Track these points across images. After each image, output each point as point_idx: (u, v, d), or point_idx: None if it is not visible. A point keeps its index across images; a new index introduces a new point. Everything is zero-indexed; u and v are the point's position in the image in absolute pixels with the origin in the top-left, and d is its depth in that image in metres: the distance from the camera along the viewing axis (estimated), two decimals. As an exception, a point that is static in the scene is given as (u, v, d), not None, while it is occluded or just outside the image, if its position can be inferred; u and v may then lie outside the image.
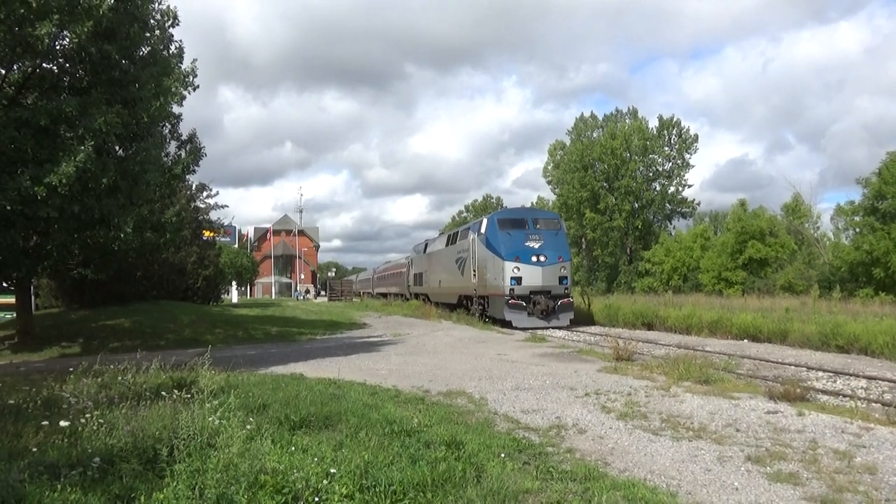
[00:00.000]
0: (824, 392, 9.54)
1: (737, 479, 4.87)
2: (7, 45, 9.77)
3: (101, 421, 5.31)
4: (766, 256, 35.79)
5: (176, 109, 13.67)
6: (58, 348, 16.22)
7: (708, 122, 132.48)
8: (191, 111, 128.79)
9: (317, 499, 3.95)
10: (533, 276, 21.01)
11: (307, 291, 72.53)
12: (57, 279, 23.71)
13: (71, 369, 7.64)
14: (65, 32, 10.08)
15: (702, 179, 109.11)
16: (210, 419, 5.33)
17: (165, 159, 14.21)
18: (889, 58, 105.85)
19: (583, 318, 23.53)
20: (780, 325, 16.63)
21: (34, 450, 4.71)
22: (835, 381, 10.78)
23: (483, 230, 22.93)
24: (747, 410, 7.23)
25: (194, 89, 12.73)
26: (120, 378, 7.24)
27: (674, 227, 54.40)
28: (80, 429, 5.20)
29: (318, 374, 9.74)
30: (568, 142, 59.79)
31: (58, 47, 10.80)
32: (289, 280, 78.90)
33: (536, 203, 66.05)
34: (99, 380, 7.09)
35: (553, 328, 20.41)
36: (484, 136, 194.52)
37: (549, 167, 61.85)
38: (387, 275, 50.27)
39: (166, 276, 26.65)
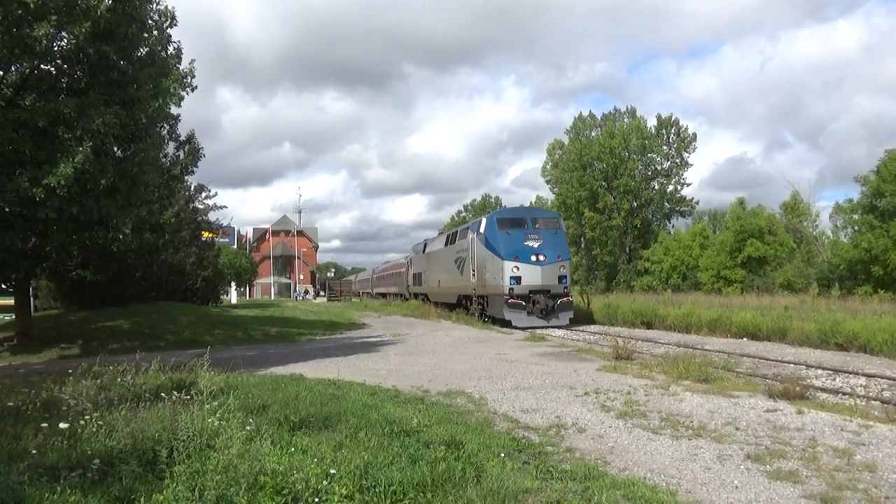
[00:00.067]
0: (823, 390, 9.55)
1: (736, 477, 4.88)
2: (5, 47, 9.74)
3: (100, 423, 5.31)
4: (765, 255, 35.86)
5: (174, 110, 13.70)
6: (57, 350, 16.21)
7: (706, 121, 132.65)
8: (189, 112, 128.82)
9: (316, 499, 3.94)
10: (532, 275, 21.01)
11: (306, 292, 72.54)
12: (56, 280, 23.69)
13: (70, 371, 7.62)
14: (63, 33, 10.07)
15: (700, 178, 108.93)
16: (209, 420, 5.32)
17: (164, 160, 14.21)
18: (887, 56, 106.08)
19: (582, 318, 23.53)
20: (780, 323, 16.64)
21: (34, 452, 4.71)
22: (834, 379, 10.79)
23: (482, 230, 22.93)
24: (747, 409, 7.23)
25: (193, 90, 12.75)
26: (119, 379, 7.23)
27: (672, 226, 54.58)
28: (79, 430, 5.20)
29: (317, 375, 9.74)
30: (566, 141, 59.90)
31: (56, 48, 10.79)
32: (288, 280, 78.91)
33: (535, 202, 66.07)
34: (98, 381, 7.08)
35: (552, 327, 20.41)
36: (483, 135, 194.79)
37: (548, 166, 61.95)
38: (386, 275, 50.24)
39: (165, 277, 26.64)
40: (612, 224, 52.54)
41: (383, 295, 50.14)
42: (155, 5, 12.39)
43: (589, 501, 4.21)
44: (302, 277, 79.53)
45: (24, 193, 9.54)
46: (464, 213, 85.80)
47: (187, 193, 27.10)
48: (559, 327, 20.67)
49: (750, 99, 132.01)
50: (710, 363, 10.25)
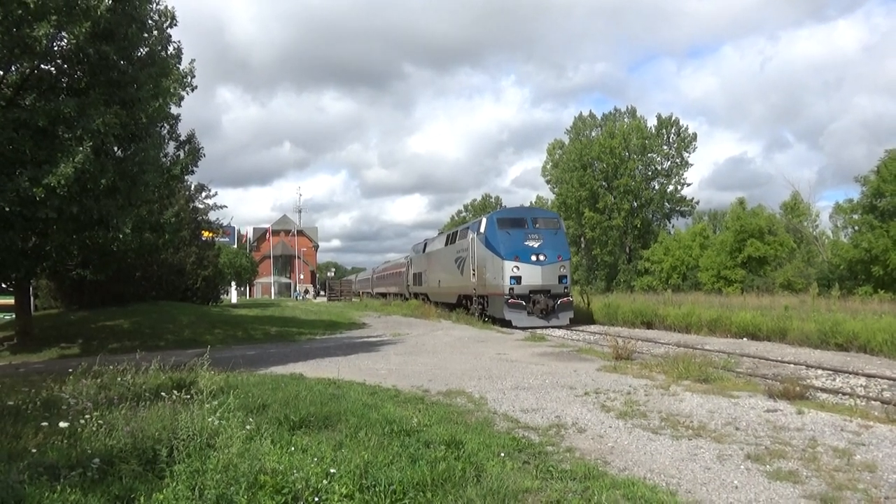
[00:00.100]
0: (823, 390, 9.56)
1: (736, 477, 4.88)
2: (5, 47, 9.75)
3: (100, 422, 5.31)
4: (765, 255, 35.86)
5: (174, 110, 13.72)
6: (57, 349, 16.21)
7: (706, 121, 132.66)
8: (189, 112, 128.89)
9: (316, 499, 3.94)
10: (532, 275, 21.02)
11: (306, 291, 72.56)
12: (56, 280, 23.69)
13: (70, 370, 7.62)
14: (63, 33, 10.07)
15: (700, 178, 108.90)
16: (209, 420, 5.32)
17: (164, 160, 14.22)
18: (887, 56, 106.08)
19: (582, 317, 23.53)
20: (780, 323, 16.64)
21: (34, 451, 4.71)
22: (834, 379, 10.79)
23: (482, 229, 22.93)
24: (747, 409, 7.23)
25: (193, 90, 12.76)
26: (119, 379, 7.23)
27: (673, 226, 54.59)
28: (79, 430, 5.20)
29: (317, 374, 9.74)
30: (567, 141, 59.89)
31: (56, 48, 10.79)
32: (288, 280, 78.92)
33: (535, 202, 66.10)
34: (98, 381, 7.09)
35: (552, 327, 20.41)
36: (483, 135, 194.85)
37: (548, 166, 61.94)
38: (386, 275, 50.25)
39: (165, 276, 26.64)
40: (612, 224, 52.53)
41: (383, 295, 50.15)
42: (155, 5, 12.41)
43: (589, 501, 4.21)
44: (302, 277, 79.55)
45: (25, 193, 9.55)
46: (464, 213, 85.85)
47: (187, 193, 27.11)
48: (559, 327, 20.68)
49: (750, 99, 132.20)
50: (710, 363, 10.25)
